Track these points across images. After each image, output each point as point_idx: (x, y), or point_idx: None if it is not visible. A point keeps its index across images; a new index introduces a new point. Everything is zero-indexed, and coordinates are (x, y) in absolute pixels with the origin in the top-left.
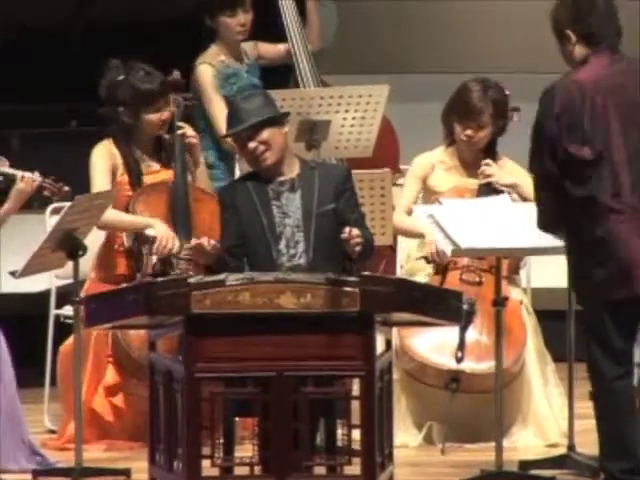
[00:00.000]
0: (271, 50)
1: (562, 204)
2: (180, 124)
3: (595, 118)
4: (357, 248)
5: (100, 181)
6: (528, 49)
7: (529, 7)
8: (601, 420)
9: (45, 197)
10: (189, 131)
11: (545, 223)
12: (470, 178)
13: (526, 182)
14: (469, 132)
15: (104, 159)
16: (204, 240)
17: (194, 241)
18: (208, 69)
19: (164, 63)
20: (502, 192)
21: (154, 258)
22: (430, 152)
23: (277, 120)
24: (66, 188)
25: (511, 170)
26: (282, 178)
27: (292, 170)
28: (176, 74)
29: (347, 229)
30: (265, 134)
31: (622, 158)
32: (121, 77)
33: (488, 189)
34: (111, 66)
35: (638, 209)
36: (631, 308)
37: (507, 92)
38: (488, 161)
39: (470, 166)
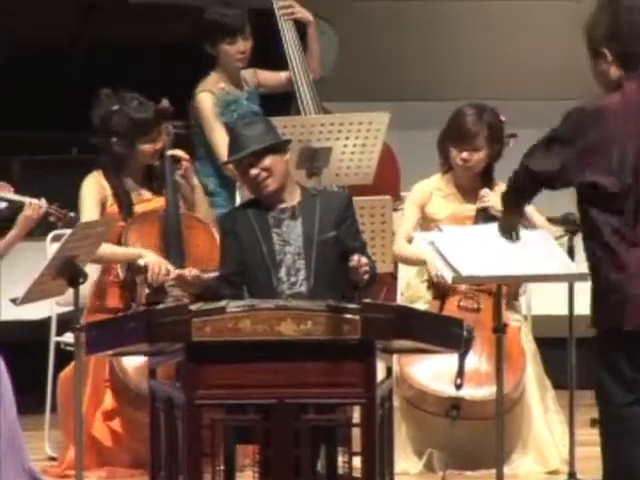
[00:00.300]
0: (271, 78)
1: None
2: (170, 152)
3: (626, 146)
4: (365, 276)
5: (89, 213)
6: (528, 76)
7: (530, 35)
8: (607, 446)
9: (50, 223)
10: (180, 153)
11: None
12: (468, 204)
13: None
14: (465, 155)
15: (93, 192)
16: (186, 271)
17: (178, 271)
18: (208, 97)
19: (164, 89)
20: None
21: (146, 288)
22: (427, 180)
23: (279, 147)
24: (72, 214)
25: None
26: (283, 205)
27: (293, 197)
28: (165, 102)
29: (356, 257)
30: (267, 161)
31: None
32: (115, 107)
33: (485, 215)
34: (102, 96)
35: None
36: None
37: (503, 118)
38: (486, 190)
39: (468, 193)
